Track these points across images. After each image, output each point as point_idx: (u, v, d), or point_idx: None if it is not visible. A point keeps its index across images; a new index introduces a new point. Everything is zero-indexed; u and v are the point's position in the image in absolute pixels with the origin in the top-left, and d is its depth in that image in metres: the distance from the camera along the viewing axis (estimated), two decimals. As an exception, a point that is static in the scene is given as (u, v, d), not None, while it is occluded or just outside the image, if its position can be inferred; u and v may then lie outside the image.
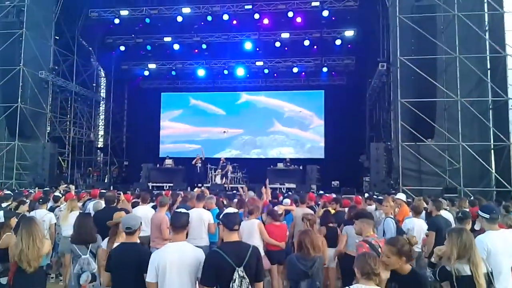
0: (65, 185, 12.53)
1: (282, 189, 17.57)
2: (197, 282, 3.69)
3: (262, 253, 5.89)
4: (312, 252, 4.49)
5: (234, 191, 13.09)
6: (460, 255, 3.75)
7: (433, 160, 14.53)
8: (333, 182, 19.85)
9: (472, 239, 3.86)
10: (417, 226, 6.61)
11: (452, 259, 3.76)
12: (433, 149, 14.47)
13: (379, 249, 4.27)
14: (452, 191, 13.01)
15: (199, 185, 16.74)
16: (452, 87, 14.49)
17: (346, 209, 7.22)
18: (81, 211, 7.28)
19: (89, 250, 5.28)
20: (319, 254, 4.52)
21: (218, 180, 19.76)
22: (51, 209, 8.21)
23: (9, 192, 9.67)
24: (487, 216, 4.60)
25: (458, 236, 3.83)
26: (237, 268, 3.51)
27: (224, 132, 21.27)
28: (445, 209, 7.58)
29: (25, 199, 8.14)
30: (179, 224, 3.86)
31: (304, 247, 4.48)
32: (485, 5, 15.01)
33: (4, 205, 7.53)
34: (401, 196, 8.61)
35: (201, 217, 6.85)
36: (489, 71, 14.95)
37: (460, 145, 14.09)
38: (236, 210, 4.18)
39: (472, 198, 10.07)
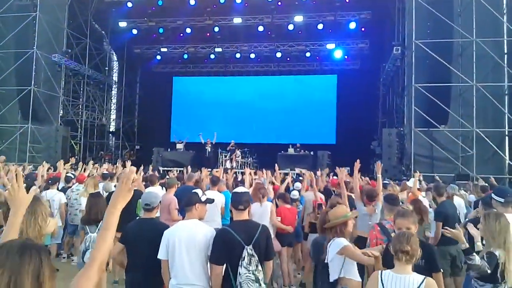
0: (70, 164, 12.34)
1: (293, 175, 17.47)
2: (207, 260, 3.67)
3: (273, 235, 5.86)
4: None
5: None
6: (495, 240, 3.62)
7: (446, 146, 14.35)
8: (343, 168, 19.62)
9: (508, 223, 3.69)
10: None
11: (491, 243, 3.65)
12: (446, 135, 14.29)
13: (392, 234, 4.19)
14: (465, 178, 12.85)
15: (209, 169, 16.70)
16: (467, 72, 14.22)
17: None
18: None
19: (97, 228, 5.22)
20: None
21: (227, 164, 19.75)
22: (63, 190, 8.27)
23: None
24: (501, 199, 4.49)
25: (496, 219, 3.69)
26: (246, 246, 3.50)
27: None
28: (456, 195, 7.51)
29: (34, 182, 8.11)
30: (189, 203, 3.85)
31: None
32: (503, -13, 14.65)
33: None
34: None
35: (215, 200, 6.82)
36: (506, 55, 14.58)
37: (474, 131, 13.88)
38: (245, 190, 4.15)
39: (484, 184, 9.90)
